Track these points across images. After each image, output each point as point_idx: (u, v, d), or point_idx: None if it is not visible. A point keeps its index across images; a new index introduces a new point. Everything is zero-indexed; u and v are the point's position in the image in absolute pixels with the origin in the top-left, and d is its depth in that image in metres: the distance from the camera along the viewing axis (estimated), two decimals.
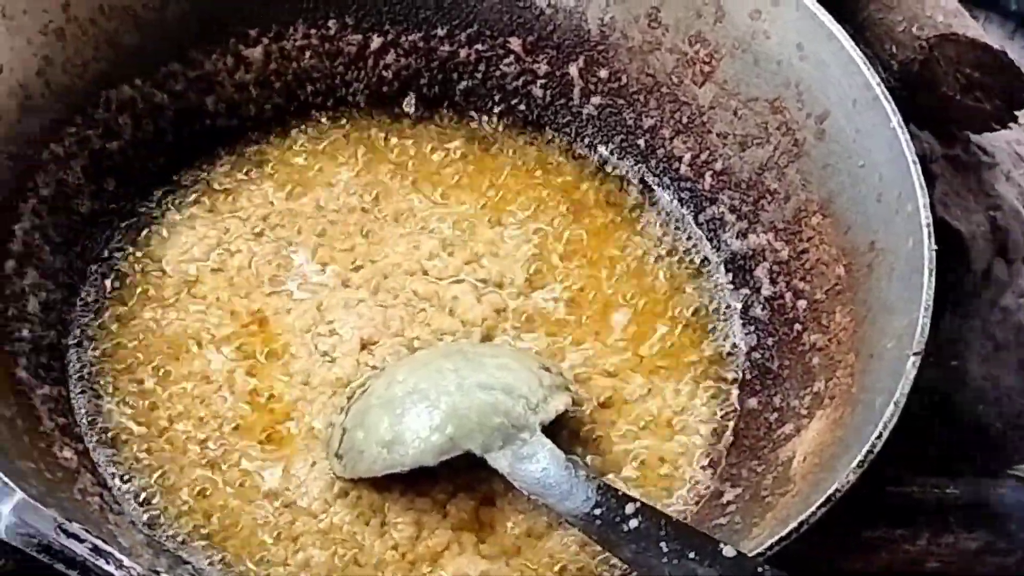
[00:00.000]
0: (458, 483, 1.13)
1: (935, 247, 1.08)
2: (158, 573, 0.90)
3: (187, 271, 1.25)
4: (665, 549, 0.98)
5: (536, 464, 1.07)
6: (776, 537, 0.96)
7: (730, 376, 1.23)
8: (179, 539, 1.10)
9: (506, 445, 1.08)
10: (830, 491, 0.97)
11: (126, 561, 0.85)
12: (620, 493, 1.04)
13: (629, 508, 1.02)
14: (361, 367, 1.19)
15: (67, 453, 1.10)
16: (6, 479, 0.92)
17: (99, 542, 0.86)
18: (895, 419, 1.00)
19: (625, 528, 1.01)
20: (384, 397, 1.13)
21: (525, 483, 1.07)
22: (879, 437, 0.99)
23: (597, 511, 1.03)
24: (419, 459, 1.09)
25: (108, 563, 0.86)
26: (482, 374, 1.12)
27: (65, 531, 0.87)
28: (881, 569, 1.18)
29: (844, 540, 1.16)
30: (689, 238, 1.31)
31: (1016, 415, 1.31)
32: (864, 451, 0.98)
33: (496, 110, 1.39)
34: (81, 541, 0.86)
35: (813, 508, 0.96)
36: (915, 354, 1.02)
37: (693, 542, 0.98)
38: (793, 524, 0.96)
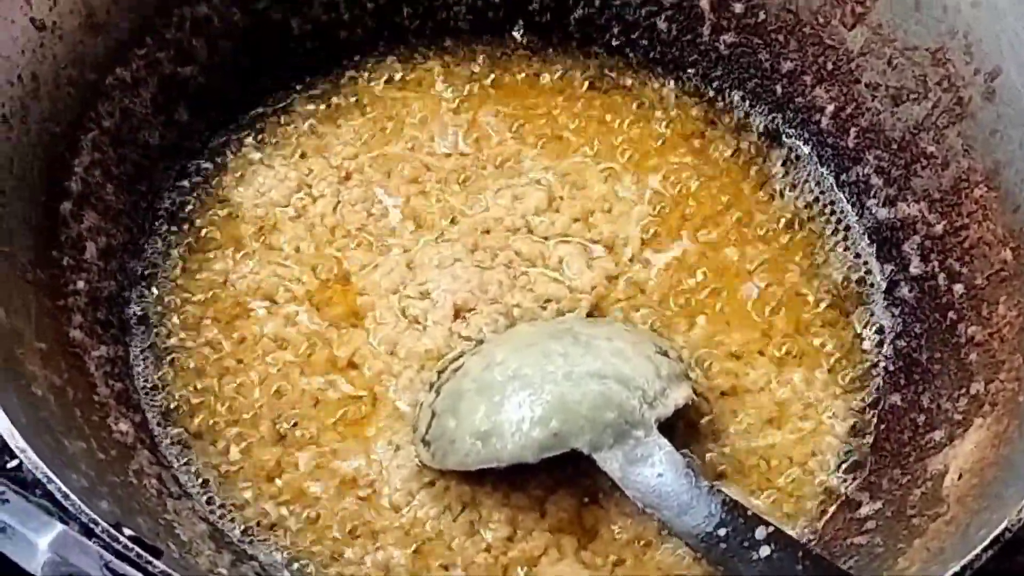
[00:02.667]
0: (558, 478, 1.01)
1: None
2: None
3: (264, 217, 1.13)
4: None
5: (651, 468, 0.95)
6: None
7: (871, 366, 1.09)
8: (244, 529, 0.99)
9: (617, 444, 0.96)
10: (998, 531, 0.84)
11: None
12: (750, 512, 0.91)
13: (760, 532, 0.89)
14: (454, 337, 1.07)
15: (123, 426, 0.99)
16: (49, 506, 0.81)
17: None
18: None
19: (754, 556, 0.89)
20: (481, 381, 1.00)
21: (638, 491, 0.94)
22: None
23: (721, 531, 0.91)
24: (518, 455, 0.97)
25: None
26: (594, 360, 0.99)
27: (113, 571, 0.74)
28: (1020, 572, 1.04)
29: None
30: (829, 202, 1.17)
31: None
32: None
33: (615, 44, 1.24)
34: None
35: (977, 551, 0.83)
36: None
37: None
38: (954, 568, 0.83)
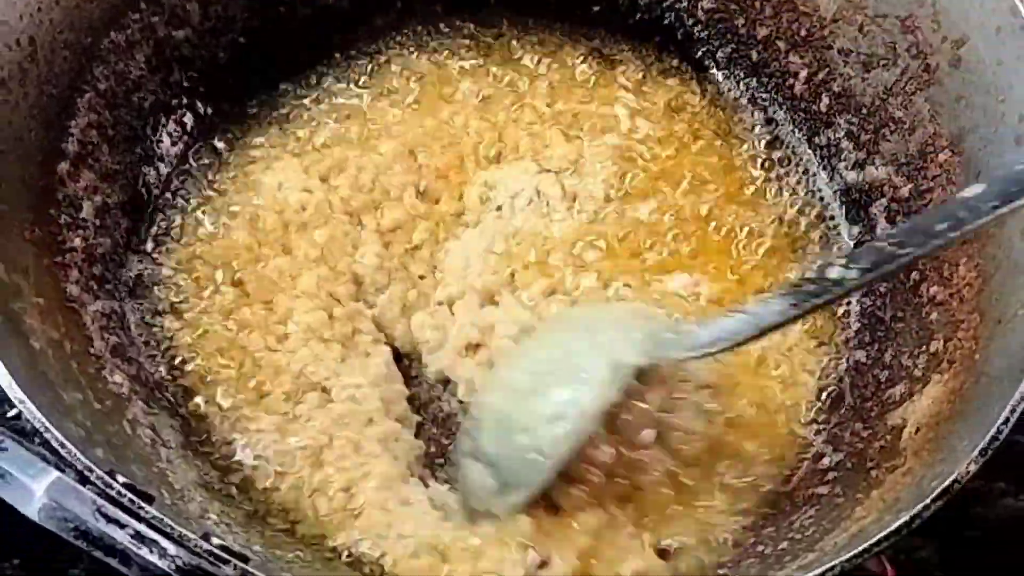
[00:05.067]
0: None
1: None
2: (207, 538, 0.81)
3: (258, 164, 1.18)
4: None
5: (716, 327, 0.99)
6: (886, 532, 0.87)
7: (838, 323, 1.14)
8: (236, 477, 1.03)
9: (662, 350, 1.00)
10: (948, 482, 0.88)
11: (171, 549, 0.77)
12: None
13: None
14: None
15: (118, 377, 1.03)
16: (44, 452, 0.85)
17: (142, 527, 0.78)
18: None
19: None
20: (512, 398, 1.03)
21: (715, 346, 0.99)
22: (1006, 422, 0.90)
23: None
24: (602, 400, 0.98)
25: (152, 551, 0.78)
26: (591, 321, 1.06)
27: (105, 515, 0.79)
28: (977, 522, 1.11)
29: None
30: (800, 163, 1.20)
31: None
32: (988, 437, 0.89)
33: (595, 11, 1.28)
34: (122, 527, 0.78)
35: (927, 501, 0.88)
36: None
37: None
38: (905, 517, 0.87)
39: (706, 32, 1.25)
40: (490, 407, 1.04)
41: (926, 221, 0.92)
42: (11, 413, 1.00)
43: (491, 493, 1.01)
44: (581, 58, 1.26)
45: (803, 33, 1.20)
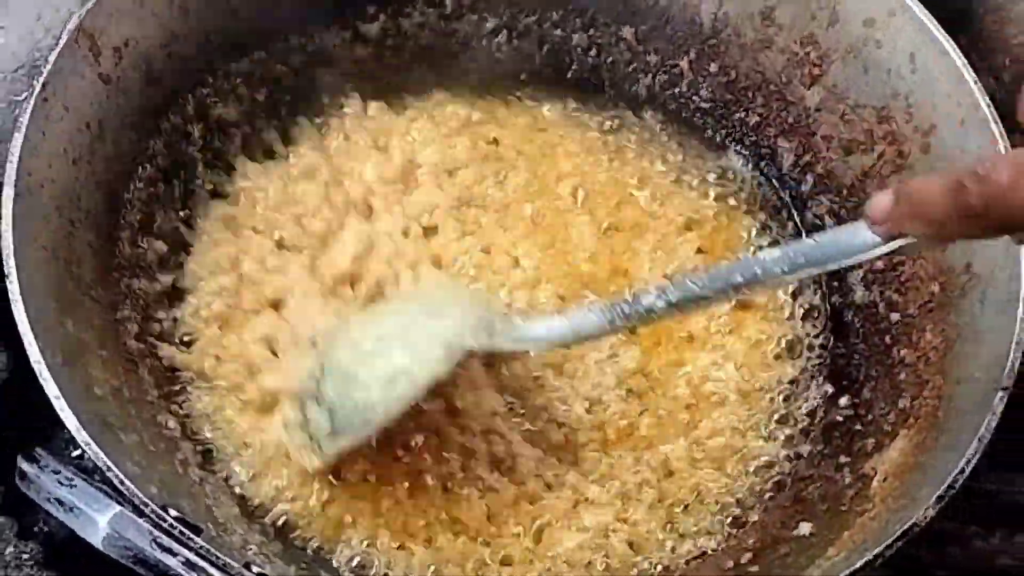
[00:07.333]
0: None
1: None
2: (248, 567, 0.92)
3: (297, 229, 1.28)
4: None
5: (539, 326, 1.10)
6: (851, 568, 0.97)
7: (817, 385, 1.25)
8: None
9: (497, 335, 1.10)
10: (907, 525, 0.98)
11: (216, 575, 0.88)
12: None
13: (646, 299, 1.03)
14: None
15: (171, 423, 1.13)
16: (107, 488, 0.96)
17: (192, 556, 0.89)
18: (979, 454, 1.00)
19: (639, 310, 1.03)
20: (357, 356, 1.12)
21: (536, 343, 1.11)
22: (961, 472, 1.00)
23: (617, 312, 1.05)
24: (432, 373, 1.08)
25: None
26: (436, 300, 1.17)
27: (160, 545, 0.90)
28: (950, 563, 1.19)
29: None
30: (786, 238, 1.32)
31: None
32: (945, 486, 0.99)
33: (605, 96, 1.41)
34: (174, 555, 0.89)
35: (889, 541, 0.98)
36: (1003, 389, 1.03)
37: None
38: (868, 556, 0.97)
39: (704, 117, 1.38)
40: (337, 360, 1.13)
41: (727, 271, 1.00)
42: (75, 453, 1.12)
43: (323, 434, 1.11)
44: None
45: (791, 120, 1.31)
